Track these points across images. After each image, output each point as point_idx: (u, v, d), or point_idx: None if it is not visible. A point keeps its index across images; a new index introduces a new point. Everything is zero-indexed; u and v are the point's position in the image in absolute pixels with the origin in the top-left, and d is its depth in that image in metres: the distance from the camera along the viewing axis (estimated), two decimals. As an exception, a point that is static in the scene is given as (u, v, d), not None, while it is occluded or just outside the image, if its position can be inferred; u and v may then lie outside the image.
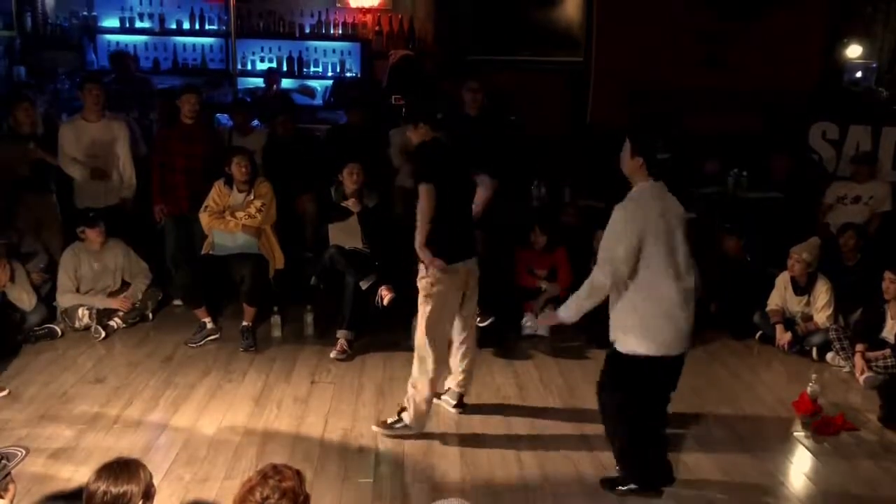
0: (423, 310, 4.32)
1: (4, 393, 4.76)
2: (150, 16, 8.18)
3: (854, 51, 8.49)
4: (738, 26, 7.71)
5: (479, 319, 5.00)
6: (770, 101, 7.58)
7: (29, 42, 7.90)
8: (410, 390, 4.39)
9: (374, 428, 4.48)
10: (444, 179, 4.25)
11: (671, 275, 3.62)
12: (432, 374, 4.35)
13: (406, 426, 4.42)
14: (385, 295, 5.58)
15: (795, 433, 4.63)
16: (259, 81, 8.29)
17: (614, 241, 3.60)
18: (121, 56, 7.81)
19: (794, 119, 7.62)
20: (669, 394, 3.90)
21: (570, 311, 3.84)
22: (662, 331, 3.66)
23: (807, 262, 5.84)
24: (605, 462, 4.16)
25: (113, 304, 5.91)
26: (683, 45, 7.71)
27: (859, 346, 5.40)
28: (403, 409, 4.43)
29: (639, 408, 3.78)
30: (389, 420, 4.47)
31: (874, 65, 8.86)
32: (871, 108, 7.98)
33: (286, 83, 8.36)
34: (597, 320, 6.02)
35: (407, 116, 4.47)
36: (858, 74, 8.84)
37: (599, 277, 3.65)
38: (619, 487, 3.89)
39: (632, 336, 3.66)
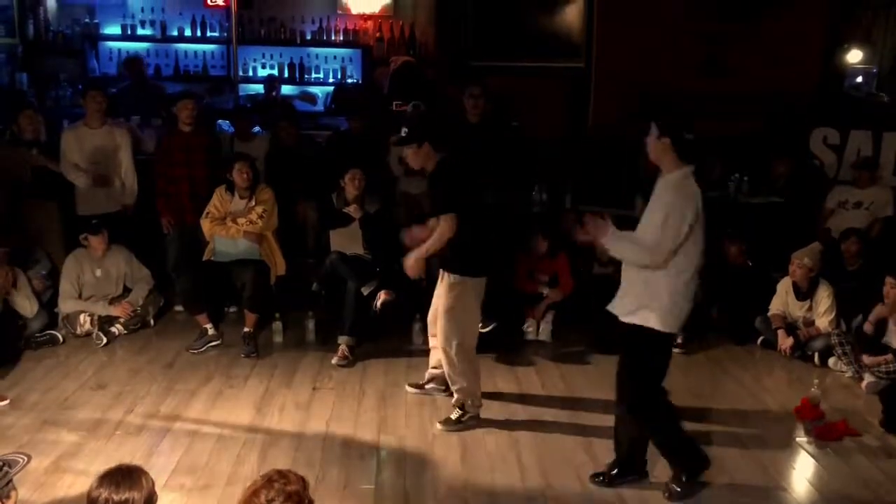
0: (457, 315, 4.43)
1: (5, 402, 4.75)
2: (152, 23, 8.20)
3: (854, 56, 8.49)
4: (738, 31, 7.72)
5: (480, 325, 5.02)
6: (771, 106, 7.59)
7: (31, 49, 7.93)
8: (457, 385, 4.56)
9: (439, 427, 4.60)
10: (466, 202, 4.37)
11: (699, 258, 3.70)
12: (471, 362, 4.56)
13: (472, 416, 4.60)
14: (380, 297, 5.58)
15: (798, 438, 4.62)
16: (261, 88, 8.30)
17: (667, 226, 3.57)
18: (134, 61, 7.82)
19: (795, 124, 7.62)
20: None
21: (616, 248, 3.77)
22: (685, 308, 3.72)
23: (808, 268, 5.83)
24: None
25: (114, 311, 5.91)
26: (684, 51, 7.72)
27: (867, 359, 5.39)
28: (462, 403, 4.60)
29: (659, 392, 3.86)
30: (454, 416, 4.61)
31: (874, 70, 8.87)
32: (871, 114, 7.98)
33: (288, 89, 8.38)
34: (599, 325, 6.08)
35: (408, 138, 4.41)
36: (859, 79, 8.84)
37: (644, 258, 3.65)
38: (680, 483, 3.90)
39: (663, 313, 3.68)
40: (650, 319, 3.69)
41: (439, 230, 4.35)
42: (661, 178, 3.76)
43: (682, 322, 3.78)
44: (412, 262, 4.51)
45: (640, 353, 3.79)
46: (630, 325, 3.76)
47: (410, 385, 5.08)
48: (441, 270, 4.54)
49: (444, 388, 4.88)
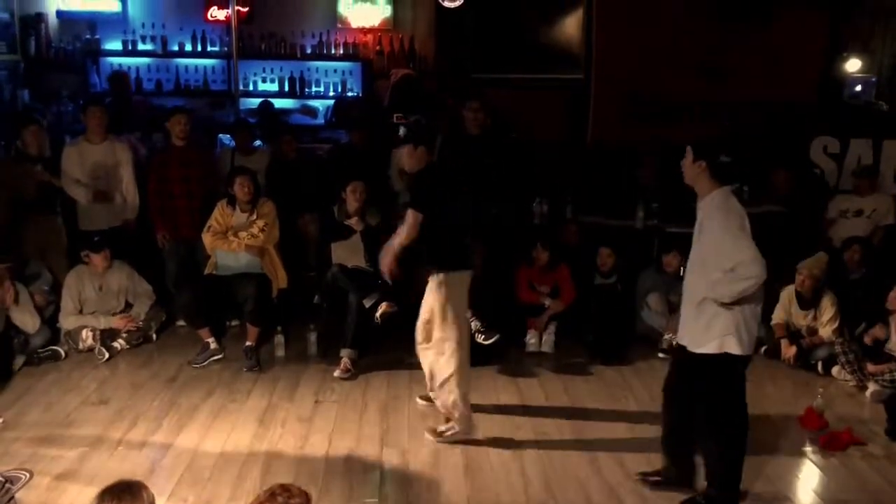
0: (444, 316, 4.46)
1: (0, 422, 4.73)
2: (153, 38, 8.22)
3: (853, 65, 8.51)
4: (738, 42, 7.73)
5: (483, 337, 5.02)
6: (771, 116, 7.60)
7: (33, 65, 7.96)
8: (447, 398, 4.53)
9: (427, 436, 4.60)
10: (439, 201, 4.47)
11: None
12: (462, 374, 4.52)
13: (457, 431, 4.57)
14: (381, 308, 5.57)
15: (802, 448, 4.60)
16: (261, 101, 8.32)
17: (740, 246, 3.53)
18: (119, 77, 7.83)
19: (796, 133, 7.63)
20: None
21: (727, 295, 3.58)
22: (755, 330, 3.72)
23: (816, 278, 5.83)
24: (612, 481, 4.14)
25: (115, 323, 5.91)
26: (684, 62, 7.74)
27: (871, 367, 5.38)
28: (448, 416, 4.60)
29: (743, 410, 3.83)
30: (440, 428, 4.62)
31: (873, 78, 8.89)
32: (871, 122, 7.99)
33: (288, 103, 8.40)
34: (602, 336, 6.07)
35: (408, 137, 4.57)
36: (858, 88, 8.87)
37: (749, 280, 3.50)
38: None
39: (732, 338, 3.65)
40: (731, 345, 3.64)
41: (404, 223, 4.50)
42: (702, 201, 3.74)
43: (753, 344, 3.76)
44: (386, 260, 4.60)
45: (724, 379, 3.75)
46: (707, 355, 3.69)
47: (420, 398, 5.07)
48: (428, 275, 4.57)
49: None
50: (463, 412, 4.55)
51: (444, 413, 4.63)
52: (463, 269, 4.55)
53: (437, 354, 4.56)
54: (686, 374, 3.89)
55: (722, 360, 3.67)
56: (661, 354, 6.02)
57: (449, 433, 4.57)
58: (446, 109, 6.88)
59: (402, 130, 4.67)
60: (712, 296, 3.61)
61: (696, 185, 3.73)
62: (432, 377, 4.63)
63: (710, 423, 3.85)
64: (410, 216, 4.46)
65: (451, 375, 4.50)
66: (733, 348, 3.64)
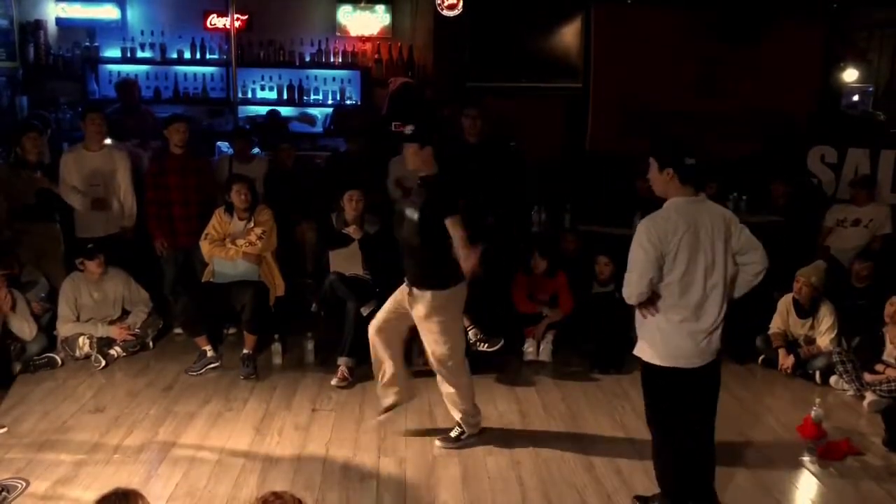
0: (449, 328, 4.40)
1: (3, 430, 4.70)
2: (152, 45, 8.24)
3: (850, 75, 8.54)
4: (736, 52, 7.76)
5: (486, 345, 4.99)
6: (769, 126, 7.62)
7: (31, 72, 7.97)
8: (455, 404, 4.56)
9: (438, 444, 4.60)
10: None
11: (691, 292, 3.54)
12: (466, 374, 4.56)
13: (471, 435, 4.63)
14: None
15: (800, 458, 4.59)
16: (259, 109, 8.33)
17: (631, 261, 3.56)
18: (127, 84, 7.85)
19: (793, 143, 7.65)
20: (703, 412, 3.72)
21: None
22: (679, 345, 3.58)
23: (814, 286, 5.83)
24: (610, 489, 4.13)
25: (111, 332, 5.90)
26: (682, 71, 7.77)
27: (869, 377, 5.38)
28: (461, 422, 4.61)
29: (669, 420, 3.72)
30: (453, 434, 4.62)
31: (870, 88, 8.92)
32: (868, 132, 8.01)
33: (287, 111, 8.41)
34: (600, 345, 6.07)
35: (415, 136, 4.34)
36: (855, 98, 8.90)
37: (623, 291, 3.63)
38: None
39: (646, 345, 3.66)
40: (642, 350, 3.69)
41: (456, 231, 4.20)
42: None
43: (683, 359, 3.59)
44: (471, 261, 4.25)
45: (643, 382, 3.78)
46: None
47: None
48: (412, 291, 4.38)
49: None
50: (472, 417, 4.61)
51: (457, 420, 4.63)
52: (461, 281, 4.39)
53: (442, 369, 4.49)
54: None
55: (641, 362, 3.71)
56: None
57: (464, 437, 4.61)
58: (445, 120, 6.88)
59: (408, 129, 4.39)
60: None
61: (667, 195, 3.60)
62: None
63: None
64: (455, 222, 4.20)
65: (457, 386, 4.52)
66: (644, 354, 3.66)
